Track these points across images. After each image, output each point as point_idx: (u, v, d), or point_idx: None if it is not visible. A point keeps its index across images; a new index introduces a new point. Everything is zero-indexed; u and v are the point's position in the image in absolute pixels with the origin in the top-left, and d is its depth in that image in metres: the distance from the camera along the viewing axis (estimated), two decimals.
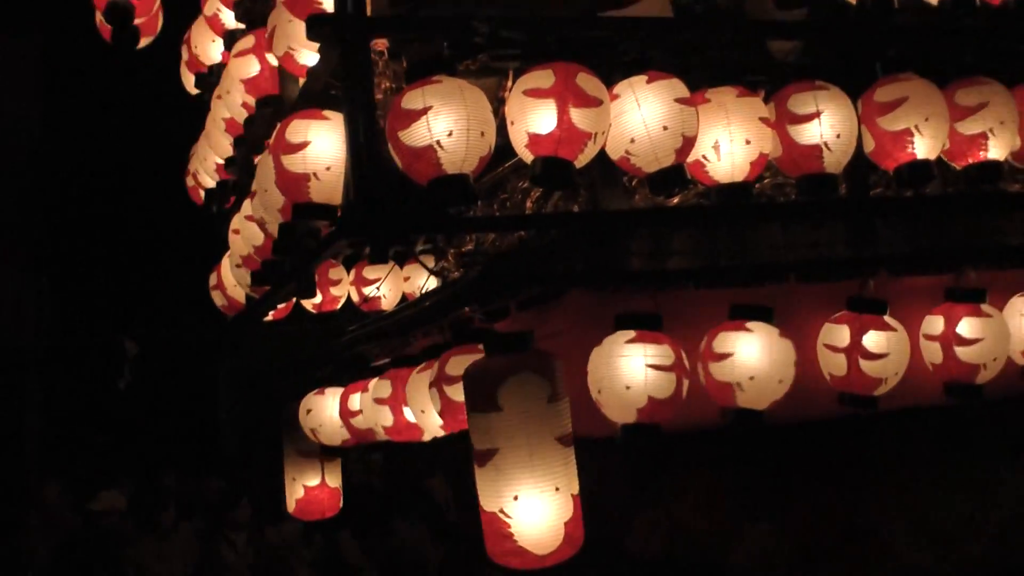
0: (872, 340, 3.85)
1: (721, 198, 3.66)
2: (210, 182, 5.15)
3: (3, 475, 11.98)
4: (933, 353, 4.01)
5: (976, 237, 4.32)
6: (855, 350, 3.86)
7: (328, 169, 3.48)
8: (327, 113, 3.53)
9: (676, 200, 4.04)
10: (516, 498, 3.22)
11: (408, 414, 4.16)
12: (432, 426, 4.01)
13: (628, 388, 3.60)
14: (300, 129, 3.52)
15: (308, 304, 5.36)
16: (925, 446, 4.38)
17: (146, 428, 12.78)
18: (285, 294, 4.30)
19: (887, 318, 3.89)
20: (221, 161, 4.79)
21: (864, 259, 3.99)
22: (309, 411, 4.93)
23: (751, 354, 3.71)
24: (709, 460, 4.14)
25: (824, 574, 4.23)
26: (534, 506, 3.21)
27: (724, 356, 3.72)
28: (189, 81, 5.09)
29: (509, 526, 3.20)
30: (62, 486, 9.30)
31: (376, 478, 8.07)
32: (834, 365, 3.91)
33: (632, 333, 3.65)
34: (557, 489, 3.22)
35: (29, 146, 12.73)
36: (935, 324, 4.01)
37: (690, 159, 3.61)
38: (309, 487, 5.38)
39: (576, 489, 3.28)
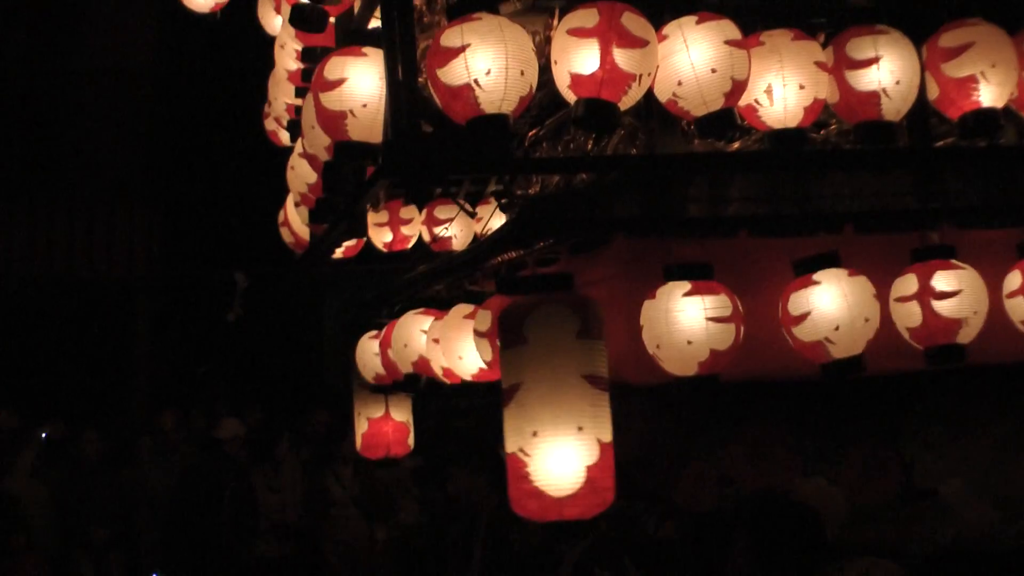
0: (942, 280, 3.71)
1: (774, 144, 3.56)
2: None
3: (116, 404, 12.31)
4: (1014, 309, 3.85)
5: None
6: (926, 293, 3.72)
7: (365, 106, 3.44)
8: (366, 50, 3.49)
9: (737, 145, 3.94)
10: (535, 434, 3.09)
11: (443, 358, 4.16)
12: (467, 372, 3.99)
13: (690, 343, 3.53)
14: (338, 66, 3.49)
15: (379, 243, 5.36)
16: (989, 407, 4.24)
17: (254, 361, 12.98)
18: (340, 233, 4.30)
19: (954, 261, 3.74)
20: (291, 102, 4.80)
21: (928, 210, 3.84)
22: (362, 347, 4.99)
23: (828, 305, 3.61)
24: (760, 413, 4.06)
25: (879, 532, 4.13)
26: (553, 444, 3.08)
27: (803, 317, 3.63)
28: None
29: (527, 464, 3.08)
30: (177, 415, 9.53)
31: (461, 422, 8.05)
32: (907, 317, 3.74)
33: (688, 285, 3.57)
34: (580, 428, 3.08)
35: (143, 90, 12.99)
36: (1012, 280, 3.85)
37: (742, 103, 3.52)
38: (373, 419, 5.40)
39: (607, 436, 3.14)
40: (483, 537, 5.14)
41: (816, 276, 3.66)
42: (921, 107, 3.68)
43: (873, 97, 3.52)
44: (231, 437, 8.69)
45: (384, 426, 5.45)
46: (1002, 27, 3.62)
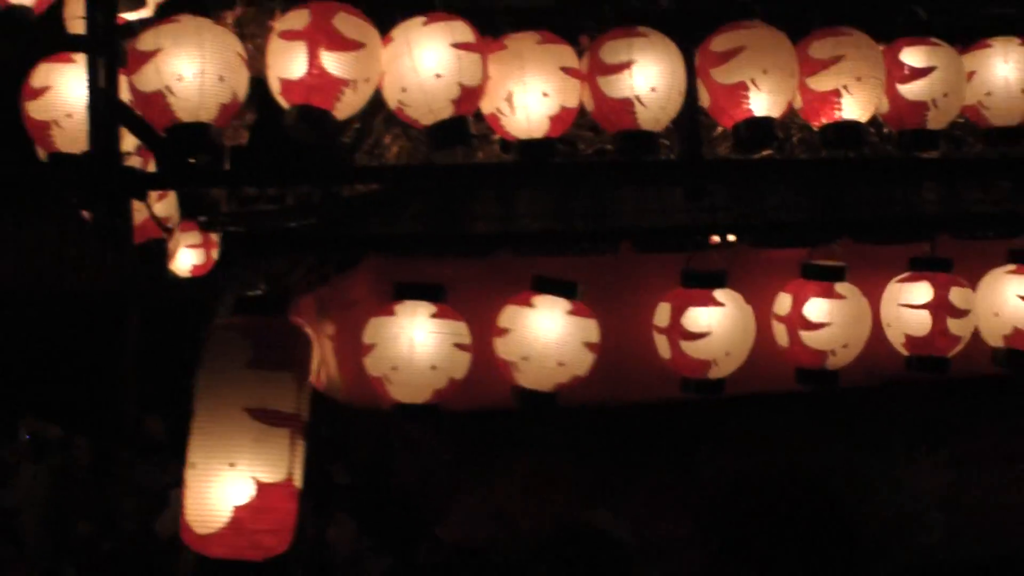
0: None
1: (520, 154, 3.31)
2: None
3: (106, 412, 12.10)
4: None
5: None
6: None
7: (70, 116, 3.24)
8: (76, 56, 3.28)
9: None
10: (193, 465, 2.87)
11: None
12: None
13: (434, 368, 3.31)
14: (44, 73, 3.31)
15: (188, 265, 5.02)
16: (793, 434, 3.99)
17: None
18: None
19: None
20: None
21: (700, 227, 3.59)
22: None
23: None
24: (537, 442, 3.81)
25: (673, 565, 3.87)
26: (203, 478, 2.84)
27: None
28: None
29: (184, 495, 2.87)
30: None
31: None
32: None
33: (433, 307, 3.35)
34: (232, 465, 2.83)
35: None
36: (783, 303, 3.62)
37: (486, 111, 3.29)
38: None
39: (273, 476, 2.85)
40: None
41: (537, 300, 3.41)
42: (691, 116, 3.42)
43: (627, 105, 3.26)
44: None
45: None
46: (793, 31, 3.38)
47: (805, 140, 3.77)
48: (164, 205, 4.18)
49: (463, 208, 3.74)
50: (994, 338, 3.75)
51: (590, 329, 3.37)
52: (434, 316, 3.33)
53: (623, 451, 3.87)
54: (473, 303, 3.40)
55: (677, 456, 3.92)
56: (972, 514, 4.15)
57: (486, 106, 3.28)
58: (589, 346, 3.37)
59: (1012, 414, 4.23)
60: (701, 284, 3.46)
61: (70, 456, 8.45)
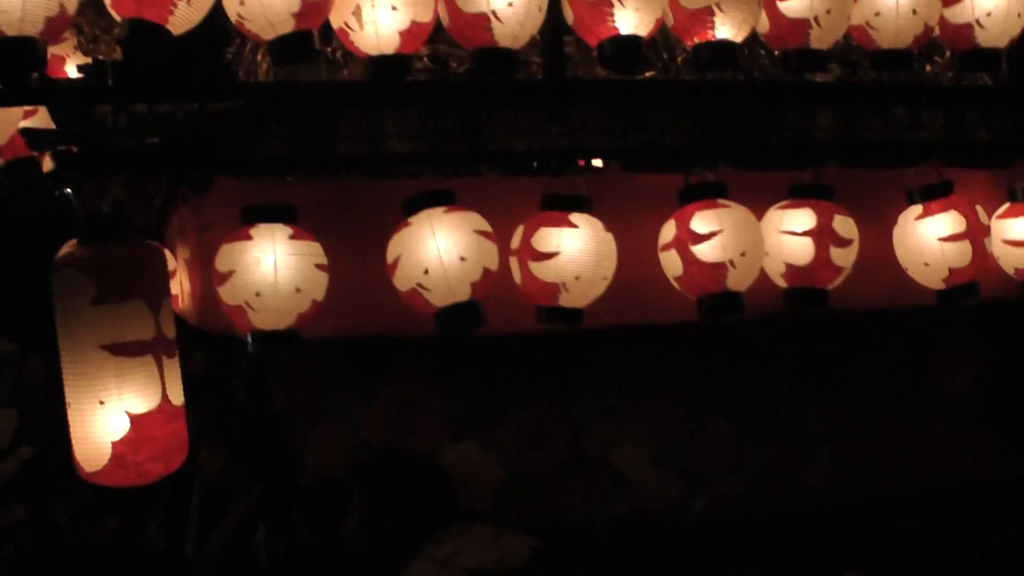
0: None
1: (372, 72, 3.16)
2: None
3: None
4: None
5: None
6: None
7: None
8: None
9: None
10: (69, 405, 2.91)
11: None
12: None
13: (298, 290, 3.15)
14: None
15: None
16: (674, 369, 3.86)
17: None
18: None
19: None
20: None
21: (566, 150, 3.43)
22: None
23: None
24: (403, 371, 3.68)
25: (542, 503, 3.76)
26: (79, 419, 2.89)
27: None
28: None
29: (71, 434, 2.91)
30: None
31: None
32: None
33: (289, 229, 3.20)
34: (102, 403, 2.85)
35: None
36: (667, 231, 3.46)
37: (336, 25, 3.15)
38: None
39: (142, 406, 2.87)
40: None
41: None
42: (553, 33, 3.26)
43: (482, 20, 3.10)
44: None
45: None
46: None
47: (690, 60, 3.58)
48: (36, 120, 4.02)
49: (328, 129, 3.57)
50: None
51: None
52: (292, 238, 3.18)
53: (493, 383, 3.73)
54: (331, 226, 3.26)
55: (550, 388, 3.79)
56: (858, 453, 4.04)
57: (335, 20, 3.13)
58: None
59: (900, 349, 4.11)
60: (558, 207, 3.30)
61: (23, 372, 8.39)
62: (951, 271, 3.56)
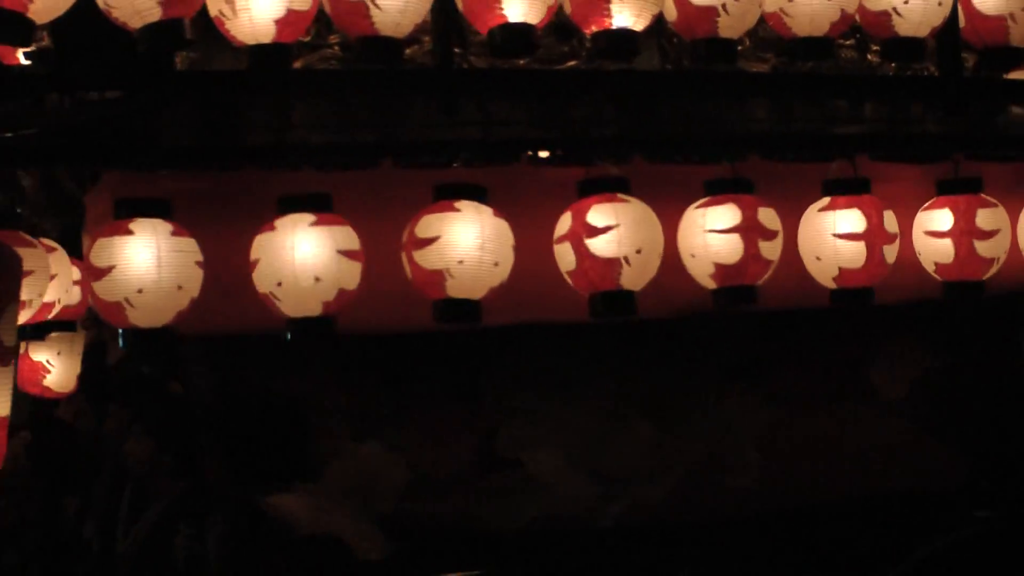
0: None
1: (249, 61, 3.07)
2: None
3: None
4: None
5: None
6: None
7: None
8: None
9: None
10: None
11: None
12: None
13: (180, 288, 3.09)
14: None
15: None
16: (589, 369, 3.73)
17: None
18: None
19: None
20: None
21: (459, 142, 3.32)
22: None
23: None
24: (306, 368, 3.58)
25: (450, 506, 3.65)
26: None
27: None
28: None
29: None
30: None
31: None
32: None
33: (170, 225, 3.12)
34: None
35: None
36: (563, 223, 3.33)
37: (212, 13, 3.06)
38: None
39: None
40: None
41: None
42: (442, 22, 3.16)
43: (361, 8, 3.00)
44: None
45: None
46: None
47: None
48: None
49: (237, 119, 3.50)
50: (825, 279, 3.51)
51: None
52: (173, 234, 3.11)
53: (400, 380, 3.63)
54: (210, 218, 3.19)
55: (461, 386, 3.68)
56: (791, 456, 3.89)
57: (211, 8, 3.04)
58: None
59: (835, 350, 3.95)
60: (448, 195, 3.20)
61: None
62: (841, 270, 3.42)
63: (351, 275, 3.14)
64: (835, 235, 3.41)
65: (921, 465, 4.00)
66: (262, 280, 3.12)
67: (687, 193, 3.43)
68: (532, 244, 3.31)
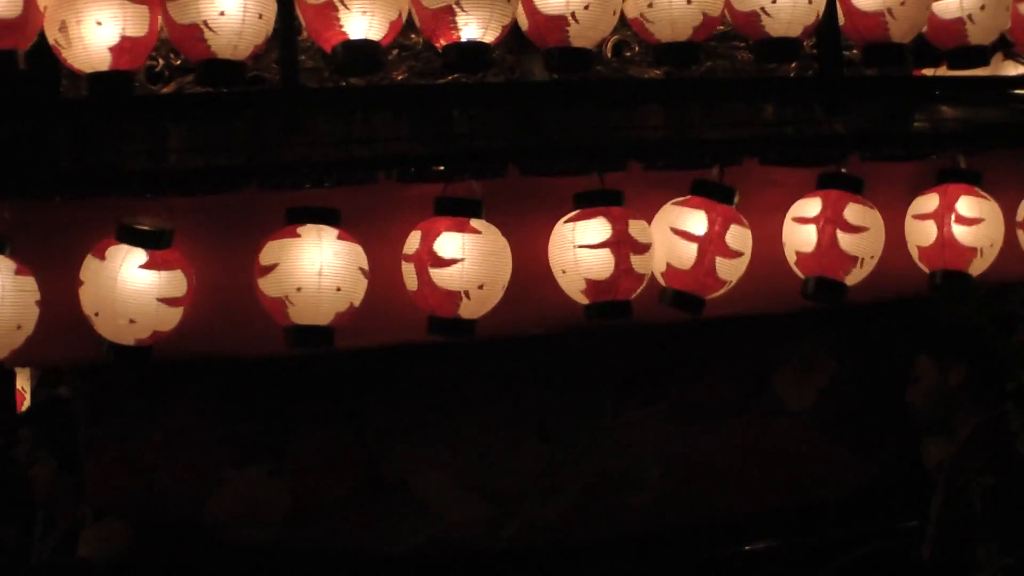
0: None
1: (89, 89, 3.04)
2: None
3: None
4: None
5: None
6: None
7: None
8: None
9: None
10: None
11: None
12: None
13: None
14: None
15: None
16: (479, 386, 3.66)
17: None
18: None
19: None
20: None
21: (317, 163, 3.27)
22: None
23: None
24: (183, 394, 3.53)
25: (333, 531, 3.59)
26: None
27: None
28: None
29: None
30: None
31: None
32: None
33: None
34: None
35: None
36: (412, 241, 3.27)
37: (50, 41, 3.06)
38: None
39: None
40: None
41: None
42: (286, 39, 3.13)
43: (195, 31, 3.01)
44: None
45: None
46: None
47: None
48: None
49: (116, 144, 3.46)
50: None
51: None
52: (16, 273, 3.10)
53: (282, 404, 3.58)
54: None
55: (345, 409, 3.62)
56: (692, 471, 3.79)
57: (48, 37, 3.05)
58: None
59: (739, 362, 3.85)
60: (294, 220, 3.18)
61: None
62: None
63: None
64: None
65: (826, 475, 3.89)
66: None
67: (564, 205, 3.36)
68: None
